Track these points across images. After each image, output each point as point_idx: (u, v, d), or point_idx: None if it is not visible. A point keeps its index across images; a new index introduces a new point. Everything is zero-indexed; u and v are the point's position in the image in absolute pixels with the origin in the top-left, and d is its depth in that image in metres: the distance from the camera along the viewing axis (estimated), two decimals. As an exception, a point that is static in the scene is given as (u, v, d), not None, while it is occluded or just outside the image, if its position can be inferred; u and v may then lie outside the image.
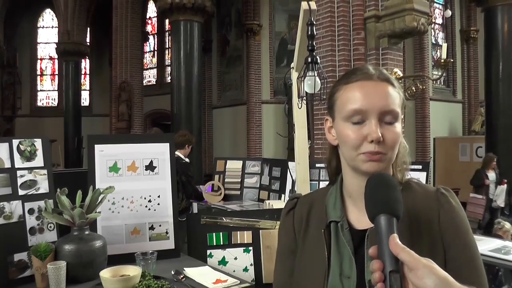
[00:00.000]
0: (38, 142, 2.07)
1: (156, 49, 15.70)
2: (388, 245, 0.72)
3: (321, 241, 1.00)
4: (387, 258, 0.72)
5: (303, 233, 1.06)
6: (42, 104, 17.63)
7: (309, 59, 2.14)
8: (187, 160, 4.79)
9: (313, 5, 2.15)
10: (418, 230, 0.94)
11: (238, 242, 2.40)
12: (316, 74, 2.13)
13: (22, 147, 2.01)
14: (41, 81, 17.82)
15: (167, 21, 13.38)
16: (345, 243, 0.97)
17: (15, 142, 2.00)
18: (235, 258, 2.38)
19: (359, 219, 0.99)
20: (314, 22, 2.16)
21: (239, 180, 4.94)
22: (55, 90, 17.62)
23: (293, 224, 1.09)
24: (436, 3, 12.60)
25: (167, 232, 2.28)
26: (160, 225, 2.28)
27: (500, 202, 7.23)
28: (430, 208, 0.97)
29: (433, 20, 12.22)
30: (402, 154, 1.02)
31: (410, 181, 1.03)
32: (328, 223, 1.01)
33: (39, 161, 2.05)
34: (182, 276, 1.94)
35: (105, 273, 1.73)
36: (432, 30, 12.40)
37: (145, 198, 2.27)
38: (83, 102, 15.64)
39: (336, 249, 0.98)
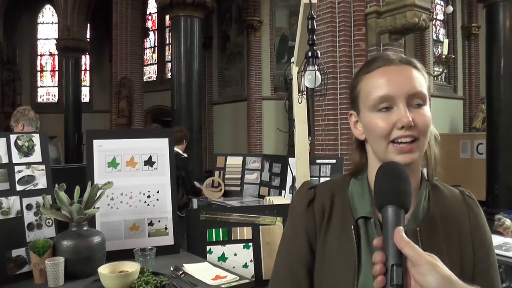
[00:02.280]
0: (36, 137, 2.06)
1: (156, 45, 15.68)
2: (393, 238, 0.70)
3: (348, 238, 0.94)
4: (390, 251, 0.70)
5: (324, 228, 0.98)
6: (42, 100, 17.61)
7: (310, 54, 2.12)
8: (185, 155, 4.77)
9: (314, -1, 2.13)
10: (450, 229, 0.93)
11: (238, 238, 2.38)
12: (316, 69, 2.11)
13: (20, 142, 1.99)
14: (41, 77, 17.79)
15: (167, 17, 13.35)
16: None
17: (13, 137, 1.99)
18: (235, 254, 2.36)
19: None
20: (315, 16, 2.14)
21: (239, 176, 4.92)
22: (55, 86, 17.59)
23: (314, 218, 0.99)
24: (438, -1, 12.57)
25: (166, 228, 2.27)
26: (159, 221, 2.26)
27: None
28: (460, 209, 0.96)
29: (434, 16, 12.18)
30: (433, 148, 0.98)
31: (435, 180, 1.01)
32: (356, 219, 0.95)
33: (37, 156, 2.03)
34: (181, 272, 1.92)
35: (104, 269, 1.72)
36: (433, 26, 12.36)
37: (144, 194, 2.25)
38: (83, 98, 15.61)
39: (367, 248, 0.92)
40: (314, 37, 2.19)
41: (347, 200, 0.99)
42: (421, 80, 0.92)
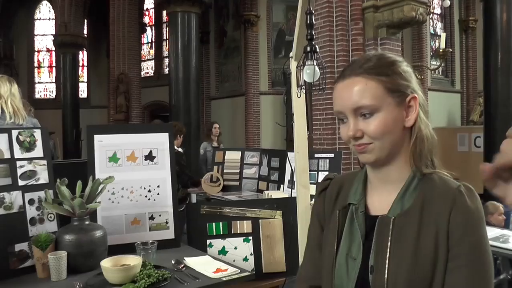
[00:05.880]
0: (37, 133, 2.07)
1: (153, 40, 15.65)
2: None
3: (336, 222, 1.07)
4: None
5: (330, 213, 1.11)
6: (40, 96, 17.52)
7: (308, 48, 2.14)
8: (179, 149, 4.79)
9: (312, -6, 2.14)
10: (428, 219, 0.94)
11: (238, 231, 2.40)
12: (315, 63, 2.13)
13: (21, 138, 2.01)
14: (38, 74, 17.71)
15: (164, 12, 13.34)
16: (356, 226, 1.02)
17: (15, 132, 2.00)
18: (235, 248, 2.38)
19: (376, 205, 1.03)
20: (313, 11, 2.15)
21: (238, 171, 4.94)
22: (53, 83, 17.51)
23: (323, 205, 1.14)
24: (435, -8, 12.56)
25: (167, 222, 2.29)
26: (160, 215, 2.28)
27: None
28: (444, 204, 0.93)
29: (432, 10, 12.17)
30: (427, 147, 0.98)
31: (435, 173, 0.99)
32: (346, 205, 1.07)
33: (38, 151, 2.04)
34: (182, 266, 1.94)
35: (106, 263, 1.74)
36: (431, 20, 12.36)
37: (144, 188, 2.27)
38: (81, 94, 15.55)
39: (349, 231, 1.03)
40: (313, 32, 2.20)
41: (349, 190, 1.10)
42: (366, 92, 0.95)
